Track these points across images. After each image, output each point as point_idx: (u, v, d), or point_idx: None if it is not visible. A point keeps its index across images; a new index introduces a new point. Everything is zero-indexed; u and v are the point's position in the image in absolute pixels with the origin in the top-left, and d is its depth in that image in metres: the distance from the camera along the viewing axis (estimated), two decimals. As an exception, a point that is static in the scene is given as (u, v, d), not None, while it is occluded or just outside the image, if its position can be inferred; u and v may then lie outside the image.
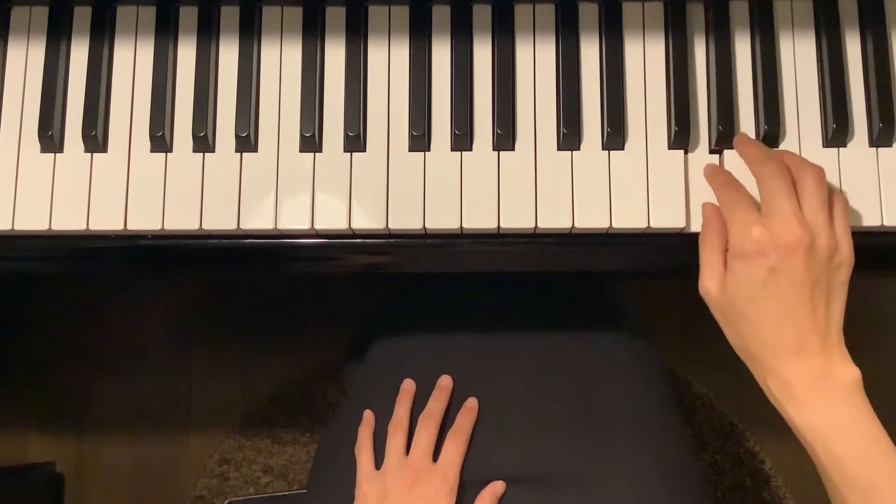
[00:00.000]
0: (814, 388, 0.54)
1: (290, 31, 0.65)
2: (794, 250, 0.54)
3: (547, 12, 0.65)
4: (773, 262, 0.54)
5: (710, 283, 0.57)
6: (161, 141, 0.63)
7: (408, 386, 0.73)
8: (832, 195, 0.57)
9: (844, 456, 0.53)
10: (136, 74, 0.64)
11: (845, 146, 0.63)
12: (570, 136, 0.62)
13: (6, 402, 1.42)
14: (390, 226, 0.62)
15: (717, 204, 0.60)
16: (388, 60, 0.64)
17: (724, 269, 0.57)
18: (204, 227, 0.62)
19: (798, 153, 0.62)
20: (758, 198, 0.58)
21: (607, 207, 0.62)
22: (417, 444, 0.69)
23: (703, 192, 0.62)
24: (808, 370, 0.54)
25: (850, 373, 0.54)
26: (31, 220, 0.62)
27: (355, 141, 0.62)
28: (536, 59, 0.64)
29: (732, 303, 0.56)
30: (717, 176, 0.61)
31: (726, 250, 0.57)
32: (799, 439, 0.55)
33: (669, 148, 0.63)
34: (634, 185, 0.62)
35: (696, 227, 0.62)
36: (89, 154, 0.63)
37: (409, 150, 0.63)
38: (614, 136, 0.62)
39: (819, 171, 0.57)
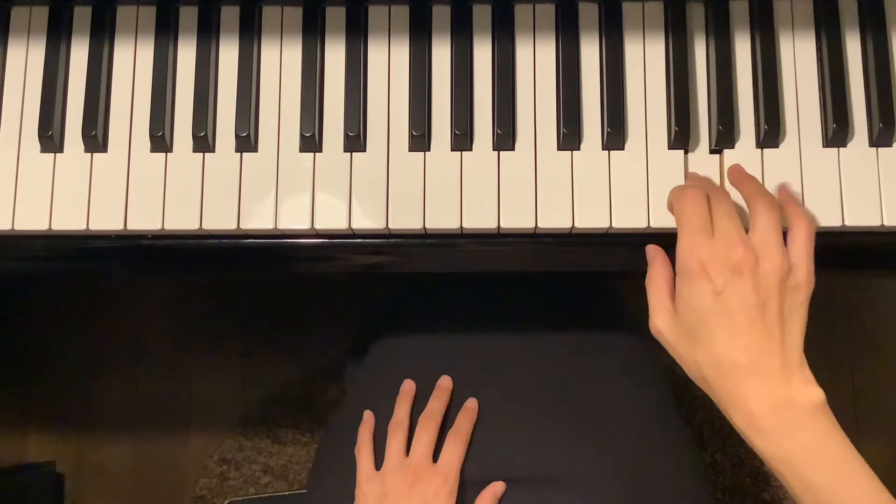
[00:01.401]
0: (777, 417, 0.52)
1: (290, 31, 0.65)
2: (738, 271, 0.53)
3: (547, 12, 0.65)
4: (718, 284, 0.53)
5: (659, 320, 0.57)
6: (161, 141, 0.63)
7: (408, 386, 0.73)
8: (795, 218, 0.56)
9: (816, 481, 0.51)
10: (136, 74, 0.64)
11: (845, 146, 0.63)
12: (570, 136, 0.62)
13: (6, 402, 1.42)
14: (390, 226, 0.62)
15: (657, 247, 0.60)
16: (388, 60, 0.64)
17: (671, 303, 0.57)
18: (204, 227, 0.62)
19: (798, 153, 0.63)
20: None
21: (607, 207, 0.62)
22: (417, 445, 0.69)
23: (703, 192, 0.62)
24: (769, 396, 0.52)
25: (813, 395, 0.52)
26: (31, 220, 0.62)
27: (355, 141, 0.62)
28: (536, 59, 0.64)
29: (684, 331, 0.55)
30: (673, 194, 0.59)
31: (672, 288, 0.57)
32: (770, 469, 0.54)
33: (669, 148, 0.63)
34: (634, 185, 0.62)
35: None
36: (89, 154, 0.63)
37: (409, 150, 0.63)
38: (614, 136, 0.62)
39: (768, 199, 0.56)
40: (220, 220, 0.62)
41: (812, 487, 0.51)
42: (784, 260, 0.54)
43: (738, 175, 0.60)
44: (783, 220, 0.56)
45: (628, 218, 0.62)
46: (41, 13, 0.65)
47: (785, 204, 0.57)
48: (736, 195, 0.60)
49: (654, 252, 0.60)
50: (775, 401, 0.52)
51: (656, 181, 0.62)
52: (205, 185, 0.63)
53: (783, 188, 0.61)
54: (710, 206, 0.56)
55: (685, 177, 0.63)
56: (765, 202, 0.55)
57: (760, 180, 0.62)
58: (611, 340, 0.77)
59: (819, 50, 0.64)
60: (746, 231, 0.55)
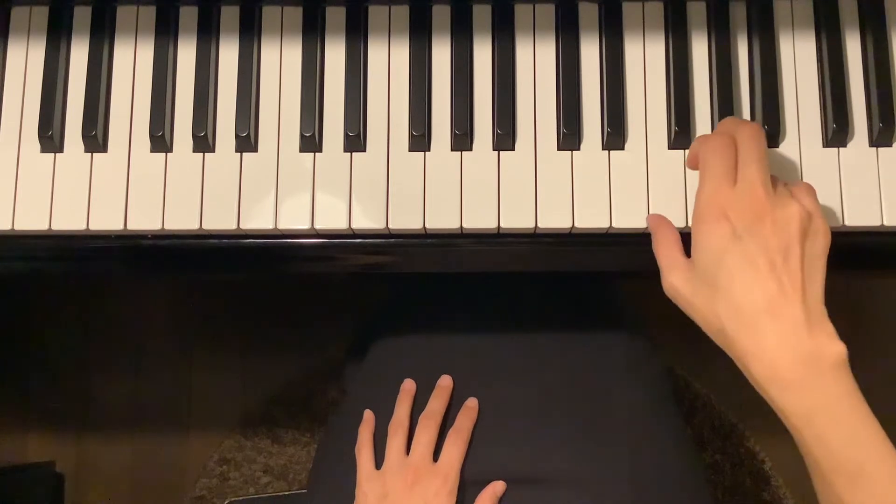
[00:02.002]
0: (800, 368, 0.50)
1: (290, 31, 0.65)
2: (760, 216, 0.52)
3: (547, 12, 0.65)
4: (739, 227, 0.52)
5: (672, 275, 0.56)
6: (161, 141, 0.63)
7: (408, 386, 0.73)
8: (795, 182, 0.56)
9: (833, 439, 0.50)
10: (136, 74, 0.64)
11: (845, 146, 0.63)
12: (570, 136, 0.62)
13: (6, 402, 1.42)
14: (390, 226, 0.62)
15: (659, 214, 0.60)
16: (388, 60, 0.64)
17: (683, 258, 0.56)
18: (204, 226, 0.62)
19: (798, 153, 0.63)
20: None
21: (607, 207, 0.62)
22: (418, 444, 0.69)
23: (703, 192, 0.62)
24: (790, 345, 0.50)
25: (836, 349, 0.50)
26: (31, 220, 0.62)
27: (355, 141, 0.62)
28: (536, 59, 0.64)
29: (701, 278, 0.54)
30: (699, 142, 0.58)
31: (681, 246, 0.57)
32: (784, 423, 0.52)
33: (669, 148, 0.63)
34: (634, 185, 0.62)
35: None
36: (89, 154, 0.63)
37: (409, 150, 0.63)
38: (614, 136, 0.62)
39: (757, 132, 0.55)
40: (220, 220, 0.62)
41: (827, 444, 0.50)
42: (803, 207, 0.53)
43: (735, 124, 0.58)
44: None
45: (628, 218, 0.62)
46: (41, 13, 0.65)
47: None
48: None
49: (656, 219, 0.60)
50: (799, 352, 0.50)
51: (656, 181, 0.62)
52: (205, 185, 0.63)
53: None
54: (738, 152, 0.55)
55: (685, 177, 0.62)
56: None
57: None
58: (610, 340, 0.77)
59: (819, 50, 0.64)
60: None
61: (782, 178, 0.62)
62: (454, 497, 0.66)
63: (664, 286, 0.57)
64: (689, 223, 0.62)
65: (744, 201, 0.52)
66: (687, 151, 0.63)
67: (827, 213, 0.61)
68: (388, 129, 0.63)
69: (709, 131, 0.63)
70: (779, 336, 0.51)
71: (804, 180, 0.62)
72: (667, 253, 0.57)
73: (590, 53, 0.64)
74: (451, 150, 0.63)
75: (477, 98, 0.64)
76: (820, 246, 0.53)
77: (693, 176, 0.62)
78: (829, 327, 0.52)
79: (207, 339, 1.44)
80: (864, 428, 0.50)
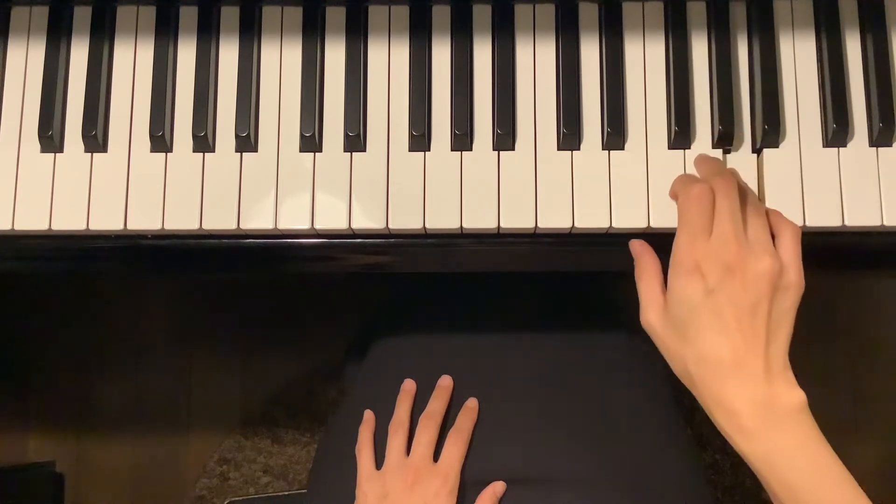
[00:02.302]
0: (759, 416, 0.52)
1: (290, 31, 0.65)
2: (731, 271, 0.53)
3: (547, 12, 0.65)
4: (710, 282, 0.53)
5: (650, 313, 0.57)
6: (161, 141, 0.63)
7: (408, 386, 0.73)
8: (782, 224, 0.57)
9: (796, 482, 0.51)
10: (136, 74, 0.64)
11: (845, 146, 0.63)
12: (570, 136, 0.62)
13: (6, 402, 1.42)
14: (390, 226, 0.62)
15: (642, 241, 0.60)
16: (388, 60, 0.64)
17: (662, 296, 0.57)
18: (204, 226, 0.62)
19: (798, 153, 0.63)
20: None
21: (607, 207, 0.62)
22: (418, 444, 0.69)
23: (703, 192, 0.62)
24: (750, 396, 0.53)
25: (795, 397, 0.53)
26: (31, 220, 0.62)
27: (355, 141, 0.62)
28: (536, 59, 0.64)
29: (673, 326, 0.56)
30: (679, 185, 0.59)
31: (662, 281, 0.58)
32: (749, 467, 0.54)
33: (669, 148, 0.63)
34: (634, 185, 0.62)
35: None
36: (89, 154, 0.63)
37: (409, 150, 0.63)
38: (614, 136, 0.62)
39: (757, 202, 0.57)
40: (220, 220, 0.62)
41: (791, 488, 0.52)
42: (776, 261, 0.54)
43: (716, 170, 0.60)
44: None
45: (628, 218, 0.62)
46: (41, 13, 0.65)
47: (767, 211, 0.58)
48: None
49: (640, 247, 0.60)
50: (757, 401, 0.53)
51: (656, 181, 0.62)
52: (205, 185, 0.63)
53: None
54: (715, 202, 0.56)
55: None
56: (754, 203, 0.56)
57: (761, 180, 0.62)
58: (611, 340, 0.77)
59: (819, 50, 0.64)
60: None
61: (781, 178, 0.62)
62: (454, 497, 0.66)
63: (641, 320, 0.58)
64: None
65: (718, 255, 0.54)
66: (687, 152, 0.63)
67: (827, 213, 0.61)
68: (388, 129, 0.63)
69: (709, 131, 0.63)
70: (740, 387, 0.53)
71: (804, 181, 0.62)
72: (647, 289, 0.58)
73: (590, 53, 0.64)
74: (451, 150, 0.63)
75: (477, 98, 0.64)
76: (790, 300, 0.55)
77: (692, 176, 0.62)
78: (789, 376, 0.54)
79: (207, 339, 1.44)
80: (826, 470, 0.52)
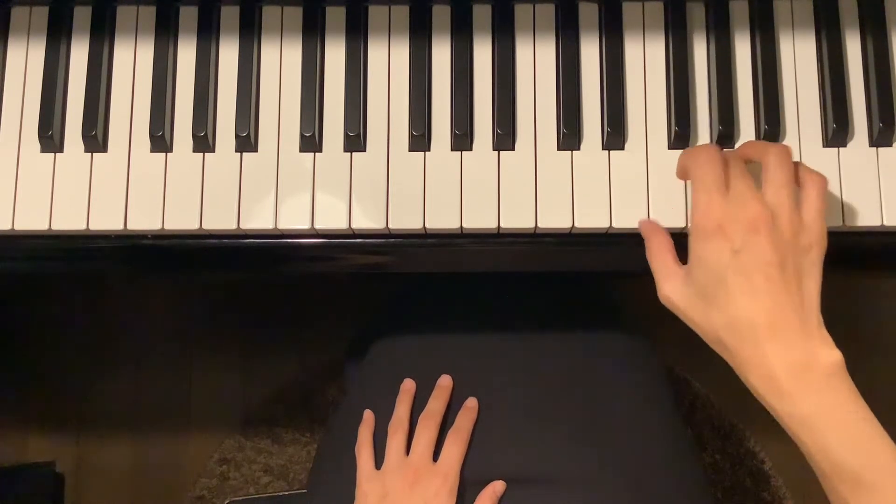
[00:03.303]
0: (797, 376, 0.51)
1: (290, 31, 0.65)
2: (756, 229, 0.52)
3: (547, 12, 0.65)
4: (736, 243, 0.52)
5: (668, 286, 0.56)
6: (161, 141, 0.63)
7: (408, 386, 0.73)
8: (807, 176, 0.55)
9: (832, 444, 0.50)
10: (136, 74, 0.64)
11: (845, 146, 0.63)
12: (570, 136, 0.62)
13: (6, 402, 1.42)
14: (390, 226, 0.62)
15: (651, 220, 0.60)
16: (388, 60, 0.64)
17: (678, 268, 0.56)
18: (204, 226, 0.62)
19: (798, 153, 0.63)
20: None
21: (607, 207, 0.62)
22: (417, 444, 0.69)
23: (703, 192, 0.62)
24: (788, 356, 0.51)
25: (832, 356, 0.51)
26: (31, 220, 0.62)
27: (355, 141, 0.62)
28: (536, 59, 0.64)
29: (699, 293, 0.54)
30: (687, 156, 0.58)
31: (675, 254, 0.57)
32: (785, 430, 0.53)
33: (670, 148, 0.63)
34: (634, 185, 0.62)
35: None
36: (89, 154, 0.63)
37: (409, 150, 0.63)
38: (614, 136, 0.62)
39: (780, 150, 0.55)
40: (220, 220, 0.62)
41: (829, 451, 0.50)
42: (796, 216, 0.53)
43: (737, 150, 0.60)
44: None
45: (628, 218, 0.62)
46: (41, 13, 0.65)
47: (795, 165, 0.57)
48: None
49: (649, 225, 0.60)
50: (794, 361, 0.51)
51: (656, 181, 0.62)
52: (205, 185, 0.63)
53: (786, 147, 0.59)
54: (726, 166, 0.55)
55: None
56: (776, 154, 0.55)
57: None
58: (610, 340, 0.77)
59: (819, 50, 0.64)
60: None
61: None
62: (454, 497, 0.66)
63: (659, 295, 0.57)
64: (689, 224, 0.62)
65: (739, 214, 0.53)
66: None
67: (827, 213, 0.61)
68: (388, 129, 0.63)
69: (708, 131, 0.63)
70: (775, 347, 0.52)
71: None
72: (660, 261, 0.57)
73: (590, 53, 0.64)
74: (451, 150, 0.63)
75: (477, 98, 0.64)
76: (815, 254, 0.54)
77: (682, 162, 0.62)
78: (825, 335, 0.52)
79: (207, 339, 1.44)
80: (864, 433, 0.51)
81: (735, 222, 0.53)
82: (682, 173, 0.61)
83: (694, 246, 0.55)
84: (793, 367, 0.51)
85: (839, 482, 0.51)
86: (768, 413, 0.54)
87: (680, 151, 0.63)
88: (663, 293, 0.57)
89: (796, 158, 0.62)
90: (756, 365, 0.52)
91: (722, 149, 0.57)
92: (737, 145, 0.63)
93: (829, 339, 0.52)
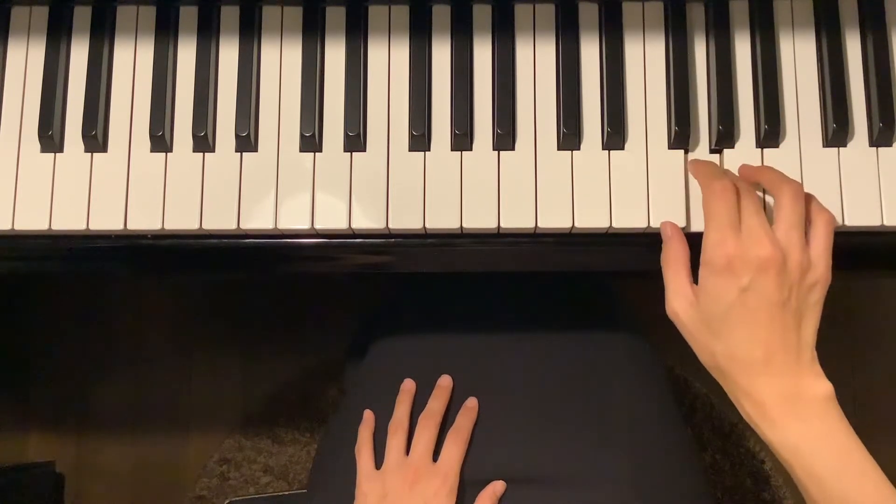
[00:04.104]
0: (787, 407, 0.54)
1: (290, 31, 0.65)
2: (765, 269, 0.53)
3: (547, 12, 0.65)
4: (743, 281, 0.54)
5: (677, 303, 0.57)
6: (161, 141, 0.63)
7: (408, 386, 0.73)
8: (816, 212, 0.57)
9: (821, 472, 0.52)
10: (136, 74, 0.64)
11: (845, 146, 0.63)
12: (570, 136, 0.62)
13: (6, 402, 1.42)
14: (390, 225, 0.62)
15: (675, 223, 0.60)
16: (388, 60, 0.64)
17: (690, 288, 0.57)
18: (204, 226, 0.62)
19: (798, 153, 0.63)
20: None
21: (607, 207, 0.62)
22: (417, 444, 0.69)
23: (703, 192, 0.62)
24: (779, 389, 0.54)
25: (822, 388, 0.54)
26: (31, 220, 0.62)
27: (355, 141, 0.62)
28: (536, 59, 0.64)
29: (704, 321, 0.56)
30: (703, 179, 0.59)
31: (690, 269, 0.58)
32: (776, 457, 0.55)
33: (669, 148, 0.63)
34: (634, 185, 0.62)
35: (696, 226, 0.62)
36: (89, 154, 0.63)
37: (409, 150, 0.63)
38: (614, 136, 0.62)
39: (795, 189, 0.56)
40: (220, 220, 0.62)
41: (817, 478, 0.52)
42: (805, 257, 0.55)
43: (751, 170, 0.61)
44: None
45: (628, 218, 0.62)
46: (41, 13, 0.65)
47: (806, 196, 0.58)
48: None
49: (671, 230, 0.60)
50: (786, 393, 0.54)
51: (656, 181, 0.62)
52: (205, 185, 0.63)
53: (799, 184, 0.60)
54: (739, 200, 0.56)
55: (685, 177, 0.62)
56: (790, 192, 0.56)
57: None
58: (610, 340, 0.77)
59: (819, 50, 0.64)
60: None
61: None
62: (454, 497, 0.66)
63: (667, 308, 0.58)
64: (688, 223, 0.62)
65: (750, 253, 0.54)
66: (686, 153, 0.63)
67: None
68: (388, 129, 0.63)
69: (708, 131, 0.63)
70: (769, 379, 0.54)
71: (805, 181, 0.62)
72: (675, 277, 0.58)
73: (590, 53, 0.64)
74: (451, 149, 0.63)
75: (477, 98, 0.64)
76: (818, 293, 0.55)
77: (694, 178, 0.62)
78: (817, 369, 0.55)
79: (207, 339, 1.44)
80: (852, 460, 0.53)
81: (746, 261, 0.54)
82: (694, 174, 0.62)
83: (704, 279, 0.56)
84: (783, 398, 0.54)
85: None
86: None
87: (680, 151, 0.63)
88: (672, 308, 0.58)
89: (796, 158, 0.62)
90: (749, 393, 0.55)
91: (730, 174, 0.59)
92: (737, 145, 0.63)
93: (821, 373, 0.55)
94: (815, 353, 0.55)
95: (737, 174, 0.61)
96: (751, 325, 0.54)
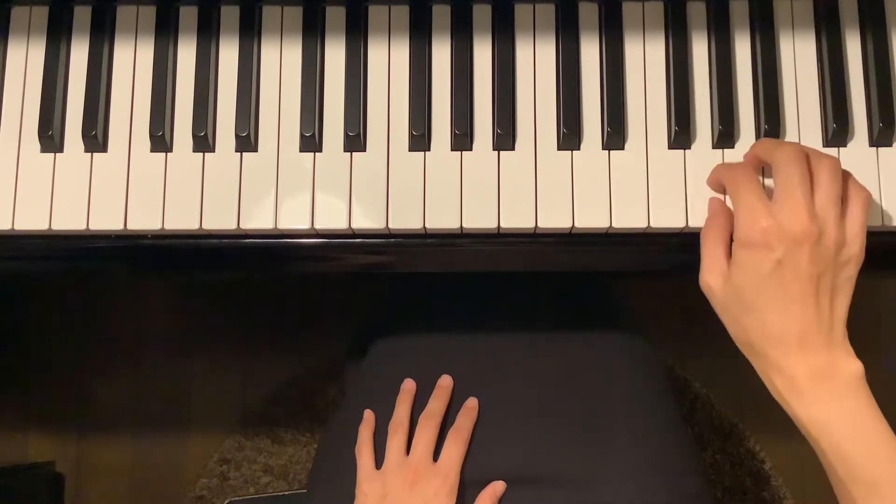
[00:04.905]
0: (818, 383, 0.54)
1: (290, 31, 0.65)
2: (801, 242, 0.53)
3: (547, 12, 0.65)
4: (779, 254, 0.53)
5: (711, 276, 0.57)
6: (161, 141, 0.63)
7: (408, 385, 0.73)
8: (852, 189, 0.56)
9: (849, 450, 0.53)
10: (136, 74, 0.64)
11: (845, 146, 0.63)
12: (570, 136, 0.62)
13: (6, 402, 1.42)
14: (390, 225, 0.62)
15: (722, 200, 0.60)
16: (388, 60, 0.64)
17: (726, 262, 0.57)
18: (204, 226, 0.62)
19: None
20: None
21: (607, 207, 0.62)
22: (418, 444, 0.69)
23: (704, 192, 0.62)
24: (811, 365, 0.54)
25: (854, 367, 0.54)
26: (31, 220, 0.62)
27: (355, 141, 0.62)
28: (536, 59, 0.64)
29: (736, 295, 0.56)
30: (723, 174, 0.60)
31: (729, 245, 0.57)
32: (803, 433, 0.55)
33: (669, 148, 0.63)
34: (634, 185, 0.62)
35: (695, 226, 0.62)
36: (89, 154, 0.63)
37: (409, 150, 0.63)
38: (614, 136, 0.62)
39: (834, 164, 0.55)
40: (220, 220, 0.62)
41: (843, 456, 0.53)
42: (840, 233, 0.54)
43: (773, 146, 0.58)
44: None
45: (628, 218, 0.62)
46: (41, 13, 0.65)
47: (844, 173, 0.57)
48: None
49: (718, 205, 0.60)
50: (817, 369, 0.54)
51: (656, 181, 0.62)
52: (205, 185, 0.63)
53: (838, 160, 0.59)
54: (783, 170, 0.55)
55: (685, 177, 0.62)
56: (829, 167, 0.55)
57: (760, 180, 0.62)
58: (610, 340, 0.77)
59: (819, 50, 0.64)
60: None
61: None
62: (454, 497, 0.66)
63: (701, 282, 0.58)
64: (688, 223, 0.62)
65: (785, 225, 0.53)
66: (687, 152, 0.63)
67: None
68: (388, 128, 0.63)
69: (709, 131, 0.63)
70: (801, 355, 0.54)
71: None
72: (713, 251, 0.58)
73: (590, 53, 0.64)
74: (451, 149, 0.63)
75: (477, 98, 0.64)
76: (851, 270, 0.55)
77: (693, 177, 0.62)
78: (848, 347, 0.55)
79: (207, 339, 1.44)
80: (880, 442, 0.53)
81: (781, 233, 0.53)
82: (715, 185, 0.61)
83: (737, 252, 0.56)
84: (815, 374, 0.54)
85: (852, 483, 0.53)
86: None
87: (680, 151, 0.63)
88: (705, 281, 0.57)
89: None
90: (781, 369, 0.55)
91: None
92: (737, 145, 0.63)
93: (852, 351, 0.55)
94: (846, 332, 0.55)
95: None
96: (784, 299, 0.54)
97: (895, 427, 0.53)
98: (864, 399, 0.54)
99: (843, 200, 0.56)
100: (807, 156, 0.56)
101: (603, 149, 0.63)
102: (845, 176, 0.57)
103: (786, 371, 0.54)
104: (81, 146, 0.63)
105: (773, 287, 0.54)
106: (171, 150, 0.63)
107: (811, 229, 0.53)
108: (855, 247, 0.55)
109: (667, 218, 0.62)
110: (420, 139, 0.62)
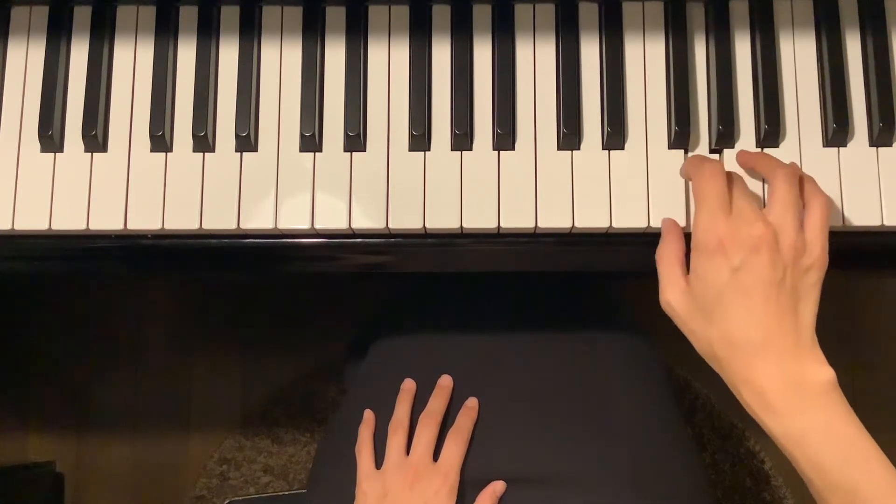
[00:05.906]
0: (788, 395, 0.52)
1: (290, 30, 0.65)
2: (757, 248, 0.53)
3: (547, 12, 0.65)
4: (736, 262, 0.53)
5: (671, 293, 0.57)
6: (161, 141, 0.63)
7: (408, 385, 0.73)
8: (811, 195, 0.56)
9: (824, 461, 0.51)
10: (136, 74, 0.64)
11: (845, 146, 0.63)
12: (570, 136, 0.62)
13: (6, 402, 1.42)
14: (390, 225, 0.62)
15: (674, 220, 0.60)
16: (388, 60, 0.64)
17: (683, 278, 0.57)
18: (204, 226, 0.62)
19: (798, 153, 0.63)
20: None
21: (607, 207, 0.62)
22: (418, 444, 0.69)
23: (703, 192, 0.62)
24: (779, 374, 0.52)
25: (824, 374, 0.52)
26: (31, 220, 0.62)
27: (355, 140, 0.62)
28: (536, 59, 0.64)
29: (697, 307, 0.55)
30: (692, 167, 0.59)
31: (684, 263, 0.57)
32: (778, 447, 0.54)
33: (669, 148, 0.63)
34: (634, 185, 0.62)
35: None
36: (89, 154, 0.63)
37: (409, 150, 0.63)
38: (614, 136, 0.62)
39: (789, 171, 0.56)
40: (220, 219, 0.62)
41: (821, 468, 0.51)
42: (799, 238, 0.54)
43: (748, 156, 0.60)
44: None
45: (628, 218, 0.62)
46: (41, 13, 0.65)
47: (801, 181, 0.57)
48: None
49: (670, 225, 0.60)
50: (787, 379, 0.52)
51: (656, 181, 0.62)
52: (205, 184, 0.63)
53: (796, 166, 0.60)
54: (730, 187, 0.56)
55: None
56: (784, 175, 0.55)
57: (759, 180, 0.62)
58: (610, 340, 0.77)
59: (819, 50, 0.64)
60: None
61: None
62: (454, 496, 0.66)
63: (661, 300, 0.58)
64: (688, 223, 0.62)
65: (741, 232, 0.53)
66: (687, 152, 0.63)
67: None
68: (388, 128, 0.63)
69: (708, 131, 0.63)
70: (767, 364, 0.53)
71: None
72: (668, 269, 0.58)
73: (590, 53, 0.64)
74: (451, 149, 0.63)
75: (477, 98, 0.64)
76: (814, 276, 0.54)
77: (685, 173, 0.62)
78: (819, 354, 0.53)
79: (207, 339, 1.44)
80: (857, 449, 0.51)
81: (737, 241, 0.53)
82: (686, 175, 0.61)
83: (695, 262, 0.55)
84: (784, 385, 0.52)
85: (831, 494, 0.51)
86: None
87: (680, 151, 0.63)
88: (665, 299, 0.57)
89: (796, 158, 0.62)
90: (747, 381, 0.53)
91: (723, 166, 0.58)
92: (737, 145, 0.63)
93: (822, 358, 0.53)
94: (815, 338, 0.54)
95: (736, 173, 0.61)
96: (745, 306, 0.53)
97: (893, 433, 0.52)
98: (837, 407, 0.52)
99: (805, 206, 0.56)
100: (762, 166, 0.57)
101: (603, 149, 0.63)
102: (806, 181, 0.57)
103: (753, 382, 0.53)
104: (81, 146, 0.63)
105: (732, 295, 0.53)
106: (171, 150, 0.63)
107: (766, 234, 0.53)
108: (815, 251, 0.54)
109: (667, 217, 0.61)
110: (420, 139, 0.62)
